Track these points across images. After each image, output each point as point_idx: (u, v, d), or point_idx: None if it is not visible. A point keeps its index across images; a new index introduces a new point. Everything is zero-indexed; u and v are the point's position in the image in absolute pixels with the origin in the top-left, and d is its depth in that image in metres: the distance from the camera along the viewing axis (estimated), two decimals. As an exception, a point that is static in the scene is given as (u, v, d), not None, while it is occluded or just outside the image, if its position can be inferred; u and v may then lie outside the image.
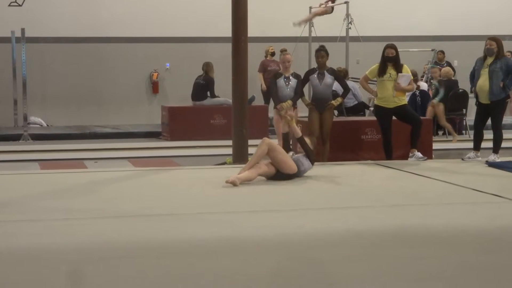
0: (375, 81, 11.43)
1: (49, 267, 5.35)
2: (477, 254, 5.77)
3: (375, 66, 11.40)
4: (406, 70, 11.22)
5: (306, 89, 11.92)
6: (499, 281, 5.13)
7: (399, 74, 11.04)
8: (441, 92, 15.08)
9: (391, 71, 11.10)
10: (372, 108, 15.83)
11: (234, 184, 8.60)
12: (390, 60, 11.12)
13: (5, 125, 17.95)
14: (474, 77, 11.17)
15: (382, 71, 11.14)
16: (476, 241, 6.22)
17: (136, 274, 5.14)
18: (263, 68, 17.81)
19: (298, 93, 11.06)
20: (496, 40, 10.92)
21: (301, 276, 5.15)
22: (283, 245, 6.01)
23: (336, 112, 13.46)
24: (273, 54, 18.16)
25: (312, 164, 9.45)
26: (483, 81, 10.89)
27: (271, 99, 13.44)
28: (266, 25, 18.64)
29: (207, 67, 16.18)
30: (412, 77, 11.52)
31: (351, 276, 5.16)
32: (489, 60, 10.90)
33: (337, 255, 5.69)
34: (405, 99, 11.31)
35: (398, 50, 11.29)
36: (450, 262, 5.51)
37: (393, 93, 11.03)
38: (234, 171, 9.18)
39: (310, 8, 18.23)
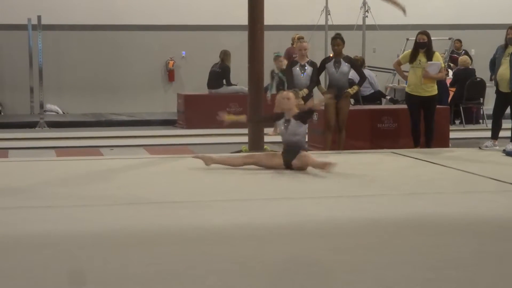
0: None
1: (65, 253, 5.36)
2: (494, 242, 5.73)
3: (408, 51, 11.47)
4: (437, 58, 11.15)
5: (322, 77, 11.87)
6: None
7: (428, 62, 10.98)
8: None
9: (421, 58, 11.05)
10: (389, 97, 15.86)
11: (204, 161, 8.85)
12: (422, 46, 11.07)
13: (21, 113, 18.04)
14: (494, 65, 11.10)
15: (413, 57, 11.10)
16: (493, 229, 6.17)
17: (151, 261, 5.14)
18: (288, 55, 17.80)
19: (314, 81, 11.01)
20: (518, 29, 10.85)
21: (315, 264, 5.13)
22: (298, 233, 5.99)
23: (352, 100, 13.41)
24: None
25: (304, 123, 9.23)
26: (504, 69, 10.81)
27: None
28: (283, 13, 18.59)
29: (224, 55, 16.16)
30: (443, 65, 11.45)
31: (366, 263, 5.14)
32: (510, 48, 10.83)
33: (352, 243, 5.66)
34: (435, 88, 11.18)
35: (414, 38, 11.25)
36: (467, 251, 5.48)
37: (421, 80, 10.98)
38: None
39: (327, -4, 18.23)
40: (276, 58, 14.75)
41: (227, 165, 9.01)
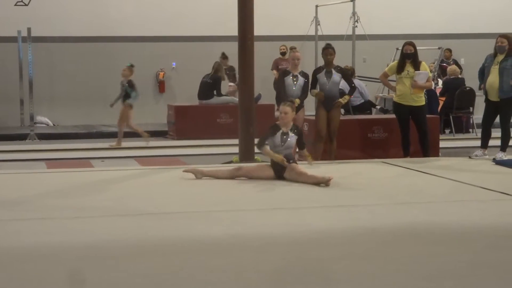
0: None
1: (58, 264, 5.36)
2: (488, 251, 5.76)
3: (394, 63, 11.52)
4: (424, 67, 11.23)
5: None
6: (511, 277, 5.11)
7: (416, 71, 11.04)
8: (134, 94, 14.24)
9: (409, 68, 11.11)
10: (379, 107, 15.91)
11: (195, 174, 8.92)
12: (409, 57, 11.13)
13: (11, 125, 17.98)
14: (483, 74, 11.15)
15: (400, 68, 11.16)
16: (487, 238, 6.21)
17: (146, 272, 5.14)
18: (276, 66, 18.05)
19: (306, 92, 11.03)
20: (508, 37, 10.91)
21: (310, 273, 5.14)
22: (292, 243, 6.01)
23: (342, 110, 13.44)
24: (283, 54, 18.27)
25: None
26: (493, 78, 10.87)
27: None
28: (273, 24, 18.64)
29: (219, 67, 16.17)
30: (430, 74, 11.53)
31: (361, 273, 5.15)
32: (500, 57, 10.88)
33: (346, 253, 5.68)
34: (423, 99, 11.27)
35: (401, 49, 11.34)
36: (461, 259, 5.50)
37: (410, 90, 11.03)
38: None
39: (316, 6, 18.29)
40: (126, 68, 14.50)
41: (217, 178, 9.04)
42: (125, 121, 14.33)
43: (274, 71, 17.97)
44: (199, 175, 9.02)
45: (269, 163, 9.15)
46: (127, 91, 14.25)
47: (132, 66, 14.55)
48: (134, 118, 14.40)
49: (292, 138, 9.08)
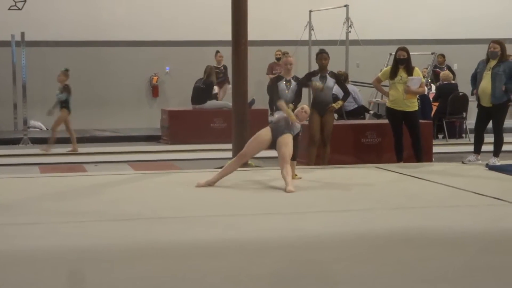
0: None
1: (51, 269, 5.35)
2: (481, 255, 5.78)
3: (387, 68, 11.53)
4: (417, 73, 11.26)
5: (306, 93, 11.90)
6: (504, 281, 5.13)
7: (409, 77, 11.07)
8: (64, 96, 14.38)
9: (402, 73, 11.13)
10: (372, 112, 15.93)
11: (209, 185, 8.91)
12: (402, 62, 11.16)
13: (5, 129, 17.94)
14: (475, 79, 11.18)
15: (393, 73, 11.19)
16: (480, 242, 6.24)
17: (139, 276, 5.14)
18: (271, 71, 18.10)
19: (300, 96, 11.04)
20: (500, 43, 10.95)
21: (303, 278, 5.15)
22: (286, 247, 6.01)
23: (335, 115, 13.46)
24: (278, 59, 18.31)
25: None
26: (486, 83, 10.90)
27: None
28: (267, 28, 18.66)
29: (210, 71, 16.19)
30: (423, 80, 11.56)
31: (354, 277, 5.16)
32: (492, 63, 10.91)
33: (340, 257, 5.69)
34: (415, 104, 11.30)
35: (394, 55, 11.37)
36: (454, 264, 5.52)
37: (403, 95, 11.06)
38: (234, 174, 9.20)
39: (310, 11, 18.32)
40: (61, 73, 14.38)
41: (225, 175, 9.05)
42: (59, 125, 14.35)
43: (270, 76, 18.02)
44: (212, 184, 8.98)
45: (265, 135, 9.20)
46: (60, 95, 14.25)
47: (67, 70, 14.50)
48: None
49: (298, 125, 9.31)
